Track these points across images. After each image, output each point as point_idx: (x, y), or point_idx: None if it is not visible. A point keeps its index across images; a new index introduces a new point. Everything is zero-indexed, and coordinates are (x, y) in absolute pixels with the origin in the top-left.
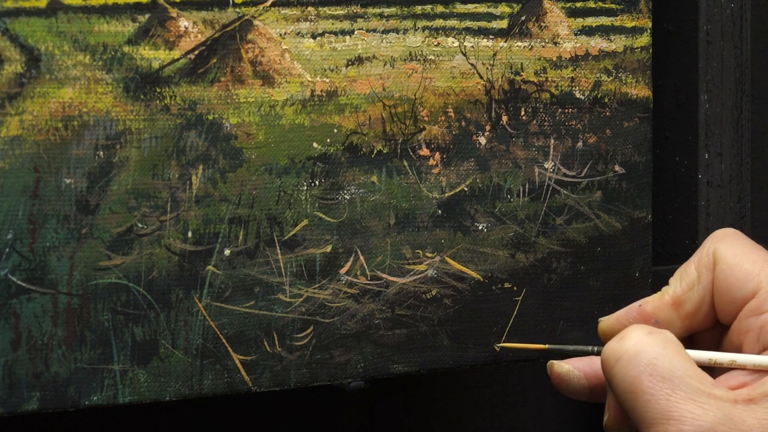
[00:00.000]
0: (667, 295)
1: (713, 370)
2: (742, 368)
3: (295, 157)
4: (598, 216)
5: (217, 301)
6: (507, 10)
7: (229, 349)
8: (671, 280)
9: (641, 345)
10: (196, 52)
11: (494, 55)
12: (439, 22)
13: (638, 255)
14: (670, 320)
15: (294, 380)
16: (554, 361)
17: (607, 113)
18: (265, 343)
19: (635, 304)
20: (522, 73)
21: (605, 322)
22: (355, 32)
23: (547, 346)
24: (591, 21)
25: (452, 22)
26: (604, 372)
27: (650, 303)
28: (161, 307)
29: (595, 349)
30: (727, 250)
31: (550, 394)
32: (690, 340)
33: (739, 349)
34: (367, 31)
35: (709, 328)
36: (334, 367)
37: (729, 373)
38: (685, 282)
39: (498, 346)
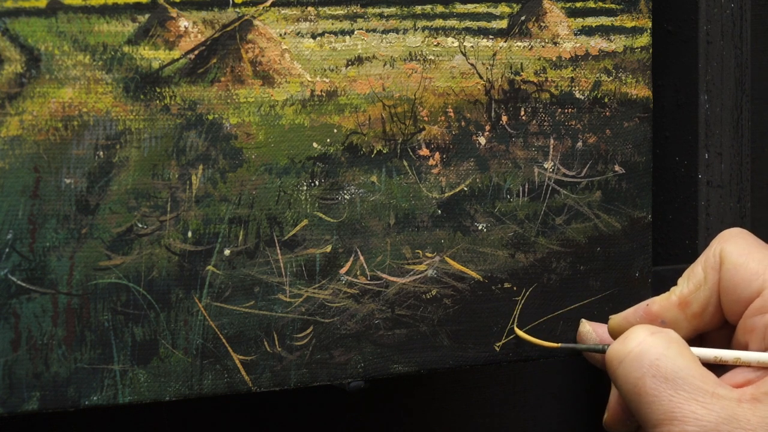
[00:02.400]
0: (674, 295)
1: (721, 369)
2: (746, 365)
3: (295, 157)
4: (598, 216)
5: (217, 301)
6: (507, 10)
7: (229, 349)
8: (679, 281)
9: (644, 346)
10: (196, 52)
11: (494, 55)
12: (438, 22)
13: (638, 255)
14: (677, 320)
15: (294, 380)
16: (583, 320)
17: (607, 113)
18: (265, 343)
19: (642, 304)
20: (522, 73)
21: (614, 320)
22: (355, 32)
23: (559, 345)
24: (591, 21)
25: (452, 22)
26: (609, 373)
27: (657, 303)
28: (161, 307)
29: (606, 347)
30: (733, 250)
31: (550, 394)
32: (700, 339)
33: (745, 348)
34: (367, 31)
35: (718, 328)
36: (334, 367)
37: (734, 370)
38: (692, 282)
39: (516, 330)
